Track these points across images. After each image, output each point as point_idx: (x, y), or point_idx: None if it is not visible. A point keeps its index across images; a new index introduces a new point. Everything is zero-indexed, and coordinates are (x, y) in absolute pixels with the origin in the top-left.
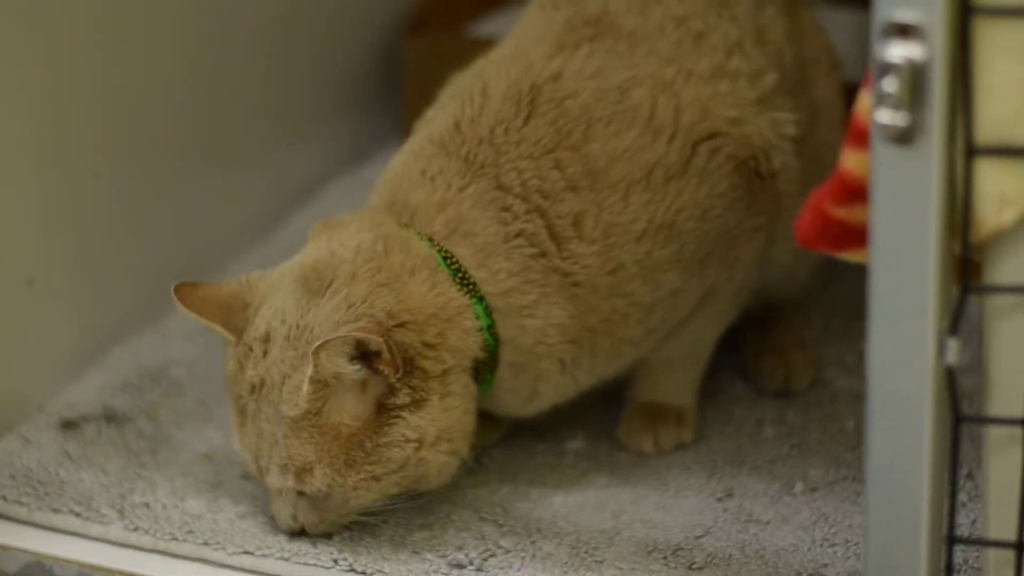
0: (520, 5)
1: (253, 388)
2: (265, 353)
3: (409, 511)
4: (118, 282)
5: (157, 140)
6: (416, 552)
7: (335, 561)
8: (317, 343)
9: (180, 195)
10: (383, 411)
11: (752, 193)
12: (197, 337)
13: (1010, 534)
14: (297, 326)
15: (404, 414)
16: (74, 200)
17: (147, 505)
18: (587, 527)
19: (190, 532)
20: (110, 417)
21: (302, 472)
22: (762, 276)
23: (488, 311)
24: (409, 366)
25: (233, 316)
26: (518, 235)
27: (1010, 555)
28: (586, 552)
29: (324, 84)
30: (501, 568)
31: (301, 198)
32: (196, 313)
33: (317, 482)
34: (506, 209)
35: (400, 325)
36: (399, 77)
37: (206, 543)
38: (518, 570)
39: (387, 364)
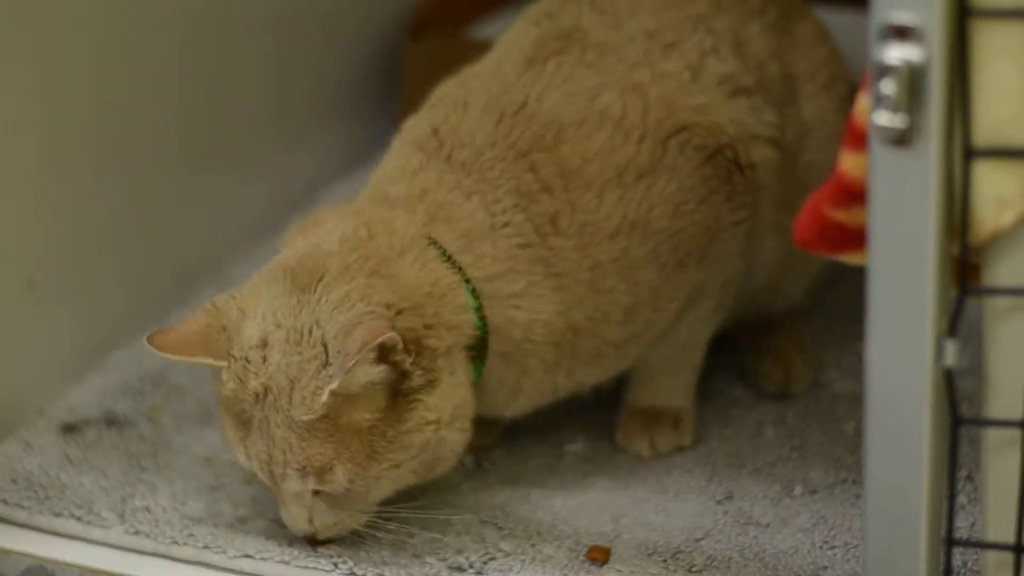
0: (520, 9)
1: (258, 397)
2: (264, 359)
3: (408, 515)
4: (119, 285)
5: (156, 144)
6: (416, 556)
7: (335, 565)
8: (347, 364)
9: (180, 199)
10: (400, 398)
11: (731, 186)
12: None
13: (1009, 536)
14: (294, 328)
15: (421, 396)
16: (74, 203)
17: (148, 509)
18: (587, 530)
19: (190, 536)
20: (111, 421)
21: (323, 472)
22: (751, 279)
23: (476, 295)
24: (417, 347)
25: (214, 343)
26: (505, 225)
27: (1009, 557)
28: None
29: (323, 88)
30: (501, 571)
31: (300, 203)
32: (177, 355)
33: (340, 479)
34: (492, 202)
35: (400, 312)
36: (399, 81)
37: (206, 547)
38: (518, 573)
39: (401, 354)
